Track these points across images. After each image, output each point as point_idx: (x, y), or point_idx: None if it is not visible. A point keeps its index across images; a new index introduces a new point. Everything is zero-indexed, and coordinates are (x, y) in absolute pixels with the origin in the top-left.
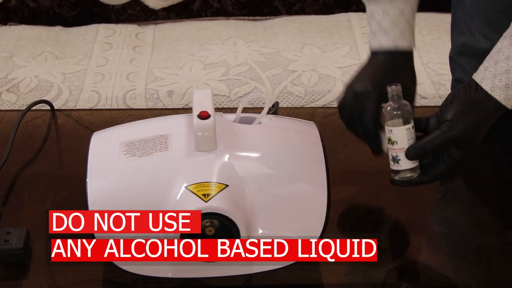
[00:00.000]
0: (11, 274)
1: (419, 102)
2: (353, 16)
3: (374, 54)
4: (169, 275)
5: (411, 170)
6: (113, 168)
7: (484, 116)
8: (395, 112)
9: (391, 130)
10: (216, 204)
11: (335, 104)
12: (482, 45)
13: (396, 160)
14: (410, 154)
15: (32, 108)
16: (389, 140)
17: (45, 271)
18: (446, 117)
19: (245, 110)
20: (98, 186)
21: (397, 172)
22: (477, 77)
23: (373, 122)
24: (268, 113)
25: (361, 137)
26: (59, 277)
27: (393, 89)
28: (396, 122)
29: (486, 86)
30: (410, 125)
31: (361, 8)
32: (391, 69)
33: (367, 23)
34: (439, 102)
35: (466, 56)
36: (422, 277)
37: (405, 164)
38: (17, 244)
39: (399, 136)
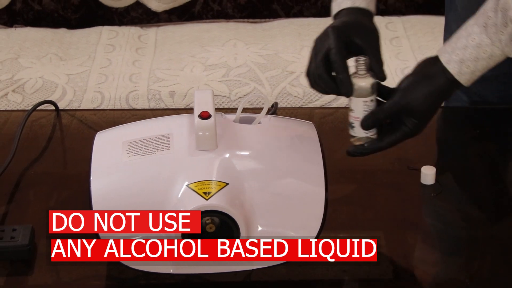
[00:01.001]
0: (17, 270)
1: None
2: None
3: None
4: (171, 271)
5: (366, 138)
6: (116, 167)
7: (436, 87)
8: (358, 84)
9: (351, 99)
10: (217, 202)
11: (333, 105)
12: None
13: (351, 126)
14: (364, 124)
15: (37, 108)
16: (349, 106)
17: (50, 267)
18: (400, 86)
19: (245, 110)
20: (101, 184)
21: (352, 137)
22: (439, 51)
23: (339, 54)
24: (267, 113)
25: (328, 84)
26: (63, 273)
27: (360, 60)
28: (356, 93)
29: (443, 59)
30: (369, 98)
31: None
32: (350, 20)
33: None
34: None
35: None
36: (417, 273)
37: (359, 132)
38: (22, 241)
39: (356, 106)
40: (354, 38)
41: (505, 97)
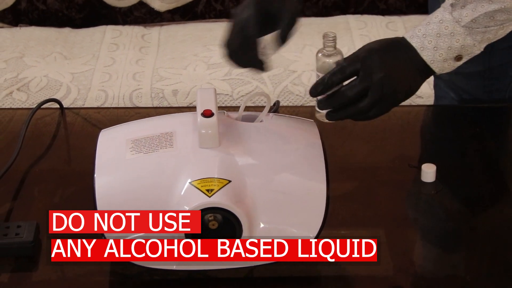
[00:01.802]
0: (22, 266)
1: (414, 101)
2: (351, 18)
3: None
4: (174, 268)
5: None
6: (120, 164)
7: (395, 51)
8: (324, 61)
9: (318, 75)
10: (219, 199)
11: None
12: None
13: (316, 100)
14: (312, 92)
15: (41, 107)
16: None
17: (55, 264)
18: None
19: (247, 108)
20: (105, 181)
21: (317, 112)
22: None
23: (253, 28)
24: (269, 111)
25: (241, 59)
26: (67, 270)
27: (328, 37)
28: (322, 69)
29: (407, 35)
30: None
31: (359, 11)
32: None
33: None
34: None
35: None
36: (418, 270)
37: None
38: (27, 238)
39: None
40: (271, 9)
41: (493, 92)
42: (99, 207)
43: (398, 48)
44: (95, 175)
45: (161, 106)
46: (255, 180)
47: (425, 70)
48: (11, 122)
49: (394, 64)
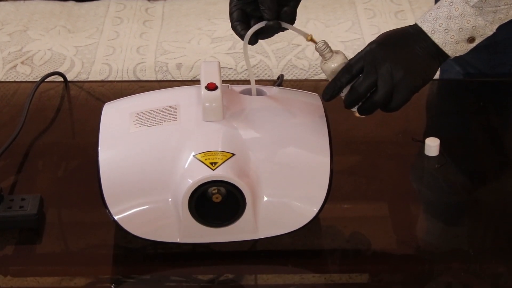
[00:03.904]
0: (26, 239)
1: None
2: None
3: None
4: (178, 241)
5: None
6: (124, 138)
7: (407, 35)
8: (327, 67)
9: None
10: (223, 172)
11: None
12: None
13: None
14: (324, 96)
15: (45, 80)
16: None
17: (58, 236)
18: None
19: (250, 82)
20: (109, 154)
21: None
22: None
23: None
24: (273, 85)
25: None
26: (71, 242)
27: (319, 44)
28: (332, 75)
29: (418, 20)
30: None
31: None
32: None
33: None
34: (437, 75)
35: None
36: (421, 244)
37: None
38: (31, 210)
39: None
40: None
41: (498, 66)
42: (103, 180)
43: (405, 37)
44: (99, 148)
45: (165, 79)
46: (258, 154)
47: (438, 54)
48: (15, 95)
49: (401, 53)
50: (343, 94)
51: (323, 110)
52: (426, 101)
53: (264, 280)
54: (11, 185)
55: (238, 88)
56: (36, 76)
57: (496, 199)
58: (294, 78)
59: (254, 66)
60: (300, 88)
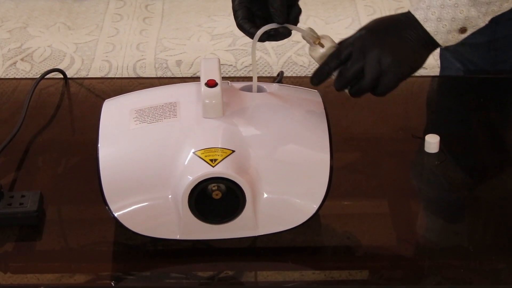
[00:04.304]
0: (26, 236)
1: (418, 72)
2: None
3: None
4: (178, 237)
5: None
6: (123, 134)
7: (397, 22)
8: (316, 52)
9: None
10: (223, 169)
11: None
12: None
13: None
14: (313, 80)
15: (45, 77)
16: None
17: (58, 233)
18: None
19: (250, 79)
20: (109, 151)
21: None
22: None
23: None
24: (273, 82)
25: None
26: (71, 239)
27: (305, 36)
28: (322, 60)
29: (411, 8)
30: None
31: None
32: None
33: None
34: (438, 72)
35: None
36: (421, 241)
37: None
38: (31, 207)
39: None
40: None
41: (498, 63)
42: (103, 177)
43: (396, 24)
44: (99, 145)
45: (165, 76)
46: (258, 150)
47: (429, 43)
48: (15, 92)
49: (390, 40)
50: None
51: (323, 107)
52: (426, 98)
53: (264, 277)
54: (11, 182)
55: (238, 85)
56: (36, 73)
57: (496, 196)
58: (294, 75)
59: None
60: (300, 85)
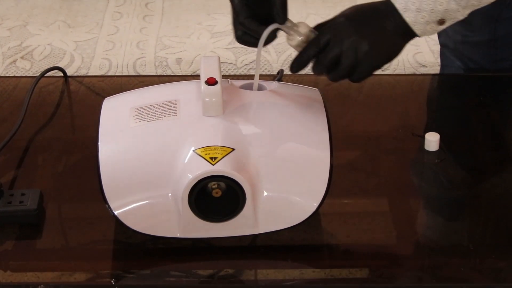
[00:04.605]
0: (26, 234)
1: (418, 70)
2: None
3: None
4: (178, 235)
5: None
6: (123, 132)
7: (375, 9)
8: (293, 40)
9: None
10: (223, 167)
11: None
12: None
13: None
14: (291, 68)
15: (45, 75)
16: None
17: (58, 232)
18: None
19: (250, 77)
20: (109, 149)
21: None
22: None
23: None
24: (273, 80)
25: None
26: (71, 237)
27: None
28: (300, 47)
29: None
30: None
31: None
32: None
33: None
34: (438, 70)
35: None
36: (420, 239)
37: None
38: (31, 206)
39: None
40: None
41: (499, 61)
42: (103, 175)
43: (375, 12)
44: (99, 143)
45: (165, 74)
46: (258, 148)
47: (406, 32)
48: (15, 90)
49: (368, 28)
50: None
51: (323, 105)
52: (427, 96)
53: (264, 275)
54: (11, 180)
55: (238, 83)
56: (35, 71)
57: (496, 194)
58: None
59: (254, 61)
60: (300, 83)
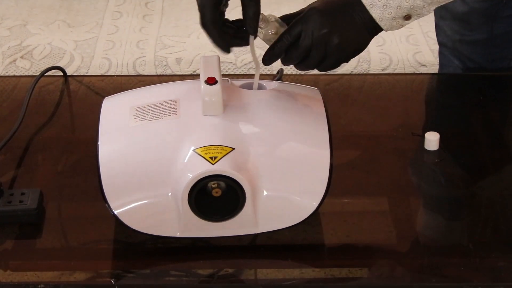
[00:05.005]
0: (26, 234)
1: (418, 69)
2: None
3: None
4: (177, 235)
5: None
6: (123, 132)
7: (341, 5)
8: (263, 34)
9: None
10: (223, 167)
11: (338, 71)
12: (460, 8)
13: None
14: (264, 61)
15: (45, 74)
16: None
17: (58, 231)
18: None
19: (250, 76)
20: (109, 148)
21: None
22: None
23: (210, 15)
24: (273, 79)
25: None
26: (71, 237)
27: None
28: (270, 41)
29: None
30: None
31: None
32: None
33: None
34: (437, 69)
35: (447, 20)
36: (420, 238)
37: None
38: (31, 205)
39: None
40: None
41: (497, 60)
42: (102, 175)
43: (343, 6)
44: (98, 143)
45: (165, 74)
46: (258, 148)
47: (373, 27)
48: (15, 89)
49: (338, 22)
50: None
51: (323, 104)
52: (426, 96)
53: (264, 275)
54: (10, 180)
55: (238, 82)
56: (35, 70)
57: (495, 193)
58: (294, 72)
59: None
60: (299, 82)
